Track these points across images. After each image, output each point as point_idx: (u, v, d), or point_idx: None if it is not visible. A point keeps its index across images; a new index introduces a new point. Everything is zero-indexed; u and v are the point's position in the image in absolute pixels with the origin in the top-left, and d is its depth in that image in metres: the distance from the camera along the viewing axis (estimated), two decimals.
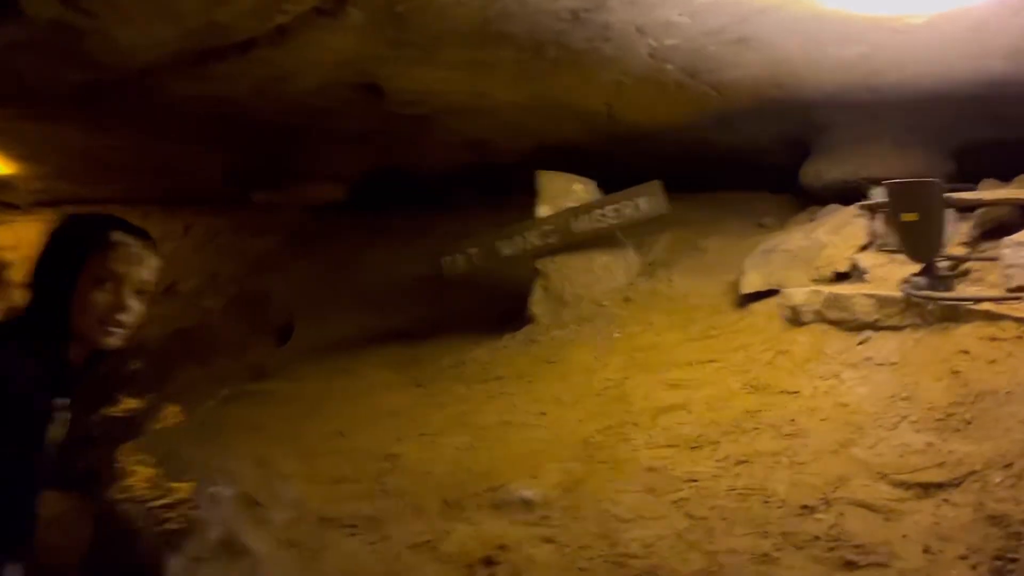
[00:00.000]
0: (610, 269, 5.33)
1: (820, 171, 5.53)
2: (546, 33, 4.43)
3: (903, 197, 3.68)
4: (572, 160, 6.24)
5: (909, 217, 3.64)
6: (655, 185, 5.05)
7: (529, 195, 5.57)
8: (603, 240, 5.31)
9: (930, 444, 2.86)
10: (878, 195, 4.92)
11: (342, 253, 7.82)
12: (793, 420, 3.39)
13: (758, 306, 4.57)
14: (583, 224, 5.15)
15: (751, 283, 4.63)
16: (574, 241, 5.22)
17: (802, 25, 4.15)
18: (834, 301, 3.94)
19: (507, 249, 5.28)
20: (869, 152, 5.32)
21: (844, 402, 3.39)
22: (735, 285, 5.01)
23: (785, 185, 6.36)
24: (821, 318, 4.03)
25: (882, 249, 4.32)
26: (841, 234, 4.50)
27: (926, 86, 4.65)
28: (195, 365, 6.77)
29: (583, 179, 5.40)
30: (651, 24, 4.23)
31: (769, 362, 3.98)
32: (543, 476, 3.43)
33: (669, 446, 3.51)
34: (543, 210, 5.31)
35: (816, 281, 4.45)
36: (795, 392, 3.62)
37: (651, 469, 3.31)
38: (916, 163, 5.25)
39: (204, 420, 4.85)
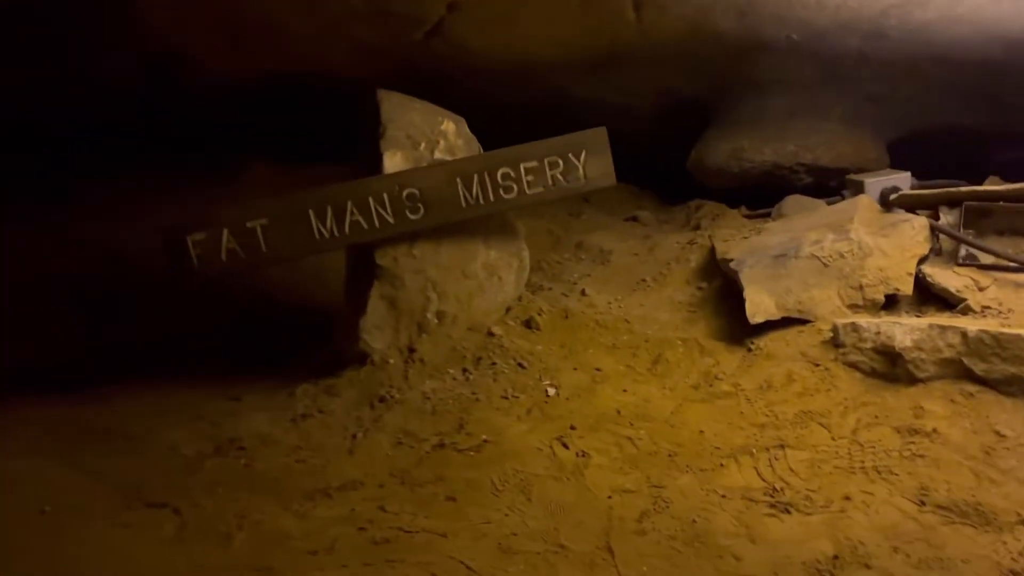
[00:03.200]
0: (497, 272, 3.12)
1: (740, 150, 3.98)
2: None
3: None
4: (332, 104, 4.03)
5: None
6: (600, 135, 2.97)
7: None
8: (486, 224, 3.08)
9: None
10: (873, 189, 3.55)
11: None
12: None
13: (771, 343, 2.84)
14: (477, 192, 2.86)
15: (761, 307, 2.88)
16: (454, 220, 2.91)
17: None
18: (996, 345, 2.37)
19: (328, 227, 2.76)
20: (815, 130, 3.92)
21: None
22: (689, 307, 3.24)
23: (643, 165, 4.73)
24: (961, 372, 2.45)
25: (966, 263, 2.86)
26: (892, 237, 2.95)
27: (954, 38, 3.35)
28: None
29: (452, 115, 3.10)
30: None
31: (910, 452, 2.28)
32: None
33: None
34: (394, 161, 2.91)
35: (856, 307, 2.87)
36: None
37: None
38: (865, 149, 4.00)
39: None
